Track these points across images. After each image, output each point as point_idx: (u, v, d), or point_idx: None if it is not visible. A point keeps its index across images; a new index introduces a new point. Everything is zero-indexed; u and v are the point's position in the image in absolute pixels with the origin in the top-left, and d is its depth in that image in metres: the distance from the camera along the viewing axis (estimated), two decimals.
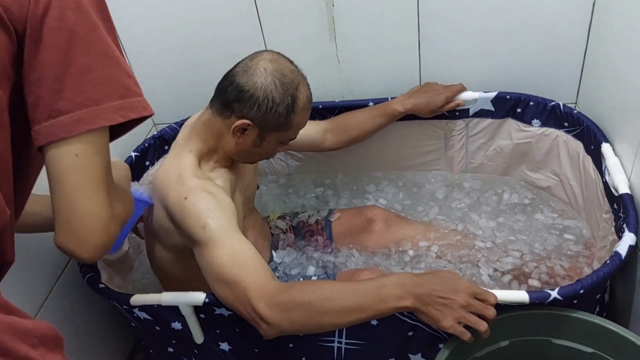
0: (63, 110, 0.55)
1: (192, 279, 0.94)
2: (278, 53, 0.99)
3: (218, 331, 0.99)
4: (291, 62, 0.99)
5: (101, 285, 1.00)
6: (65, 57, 0.55)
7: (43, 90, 0.55)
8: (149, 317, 0.99)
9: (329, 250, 1.30)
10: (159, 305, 0.94)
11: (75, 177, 0.57)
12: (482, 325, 0.79)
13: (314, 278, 1.14)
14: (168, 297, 0.92)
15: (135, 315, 1.00)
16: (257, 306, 0.78)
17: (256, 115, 0.94)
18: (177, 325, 0.99)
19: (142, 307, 0.97)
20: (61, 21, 0.55)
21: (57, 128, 0.55)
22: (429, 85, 1.30)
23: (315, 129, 1.28)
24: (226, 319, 0.94)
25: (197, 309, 0.94)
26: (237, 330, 0.97)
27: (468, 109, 1.32)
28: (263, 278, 0.81)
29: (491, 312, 0.79)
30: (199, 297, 0.91)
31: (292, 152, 1.48)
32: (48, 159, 0.56)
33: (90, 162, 0.57)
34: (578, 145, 1.21)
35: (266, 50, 0.99)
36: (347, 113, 1.34)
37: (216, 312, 0.94)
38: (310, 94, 1.01)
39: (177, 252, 0.98)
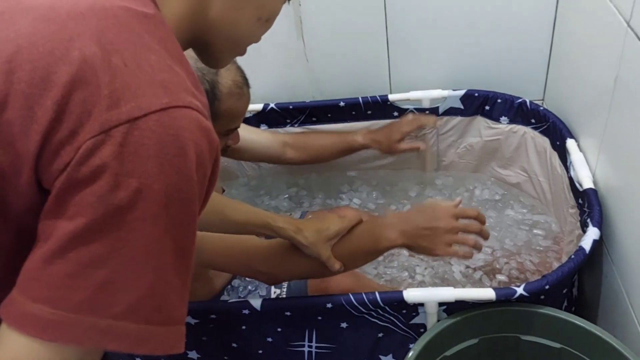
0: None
1: None
2: None
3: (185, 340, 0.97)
4: None
5: None
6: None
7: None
8: None
9: None
10: None
11: None
12: (470, 240, 0.83)
13: (285, 284, 1.13)
14: None
15: None
16: None
17: None
18: None
19: None
20: (104, 200, 0.38)
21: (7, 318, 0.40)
22: (395, 124, 1.29)
23: (273, 139, 1.26)
24: (193, 327, 0.93)
25: None
26: (204, 338, 0.96)
27: (437, 108, 1.32)
28: None
29: (476, 227, 0.83)
30: None
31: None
32: None
33: None
34: (545, 142, 1.22)
35: None
36: (312, 132, 1.34)
37: None
38: (241, 77, 0.93)
39: None
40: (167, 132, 0.40)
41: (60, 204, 0.39)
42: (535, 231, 1.25)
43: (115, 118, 0.39)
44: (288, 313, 0.91)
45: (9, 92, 0.39)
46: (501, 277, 1.15)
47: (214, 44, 0.55)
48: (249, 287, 1.15)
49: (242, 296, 1.07)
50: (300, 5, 1.27)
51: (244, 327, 0.94)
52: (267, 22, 0.57)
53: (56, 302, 0.39)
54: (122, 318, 0.40)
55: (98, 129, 0.38)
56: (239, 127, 0.98)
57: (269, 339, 0.96)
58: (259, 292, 1.12)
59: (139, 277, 0.40)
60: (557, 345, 0.89)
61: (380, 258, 1.25)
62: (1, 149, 0.39)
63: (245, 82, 0.95)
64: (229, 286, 1.11)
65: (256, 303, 0.89)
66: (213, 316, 0.92)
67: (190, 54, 0.74)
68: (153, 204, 0.39)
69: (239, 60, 0.94)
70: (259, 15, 0.56)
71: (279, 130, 1.39)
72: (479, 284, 1.17)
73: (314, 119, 1.37)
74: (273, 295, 1.10)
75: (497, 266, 1.18)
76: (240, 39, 0.57)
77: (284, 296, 1.10)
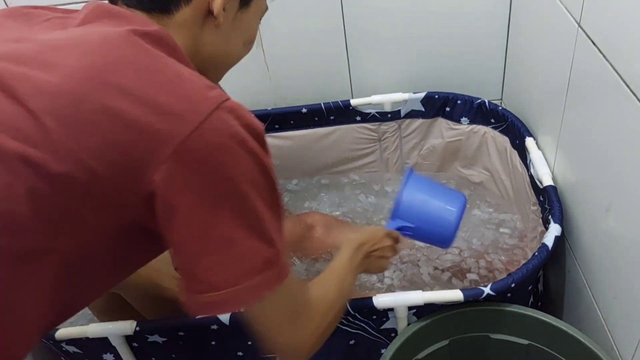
0: (196, 290, 0.51)
1: (117, 309, 0.90)
2: None
3: (153, 359, 0.95)
4: None
5: None
6: (202, 238, 0.49)
7: (178, 261, 0.51)
8: (79, 351, 0.94)
9: None
10: (88, 338, 0.89)
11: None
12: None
13: None
14: (96, 329, 0.87)
15: (64, 349, 0.94)
16: None
17: None
18: (109, 357, 0.94)
19: (70, 341, 0.92)
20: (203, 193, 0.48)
21: (193, 305, 0.52)
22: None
23: None
24: (161, 345, 0.91)
25: (128, 339, 0.90)
26: (173, 356, 0.94)
27: (399, 111, 1.33)
28: None
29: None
30: (129, 325, 0.87)
31: None
32: None
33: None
34: (505, 141, 1.24)
35: None
36: None
37: (149, 340, 0.90)
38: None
39: None
40: None
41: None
42: (501, 230, 1.27)
43: None
44: None
45: None
46: (472, 276, 1.16)
47: (209, 70, 0.63)
48: None
49: None
50: None
51: (213, 343, 0.92)
52: (250, 43, 0.69)
53: (207, 289, 0.51)
54: (259, 272, 0.52)
55: None
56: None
57: (240, 353, 0.95)
58: None
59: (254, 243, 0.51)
60: (525, 341, 0.91)
61: None
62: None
63: None
64: None
65: (225, 318, 0.88)
66: (181, 333, 0.90)
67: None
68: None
69: None
70: (244, 40, 0.66)
71: None
72: (448, 284, 1.18)
73: (276, 126, 1.36)
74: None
75: (465, 266, 1.19)
76: (231, 63, 0.68)
77: None
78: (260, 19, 0.70)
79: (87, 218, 0.46)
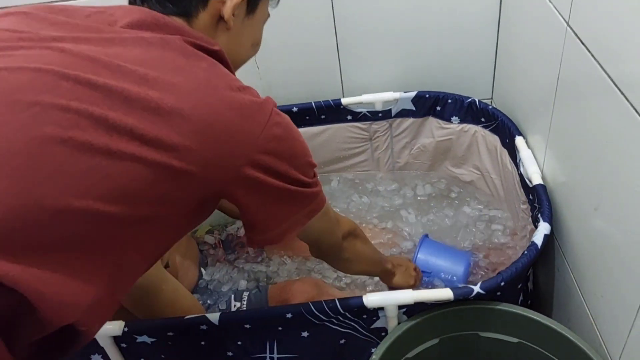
0: (271, 228, 0.66)
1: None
2: None
3: (142, 359, 0.94)
4: None
5: None
6: (278, 196, 0.63)
7: (250, 224, 0.66)
8: None
9: (260, 259, 1.27)
10: None
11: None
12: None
13: (246, 293, 1.11)
14: None
15: None
16: None
17: None
18: (97, 358, 0.93)
19: None
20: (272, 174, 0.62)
21: (263, 242, 0.68)
22: None
23: None
24: (149, 346, 0.90)
25: (116, 339, 0.89)
26: (162, 356, 0.93)
27: (390, 110, 1.33)
28: None
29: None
30: (117, 326, 0.86)
31: None
32: None
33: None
34: (495, 140, 1.24)
35: None
36: None
37: (138, 341, 0.89)
38: None
39: None
40: None
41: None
42: (493, 226, 1.27)
43: None
44: (247, 325, 0.89)
45: None
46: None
47: None
48: (208, 302, 1.13)
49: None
50: None
51: (203, 343, 0.92)
52: (257, 45, 0.76)
53: (277, 227, 0.67)
54: (308, 204, 0.68)
55: None
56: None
57: (230, 353, 0.94)
58: (218, 306, 1.10)
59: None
60: (515, 340, 0.91)
61: None
62: None
63: None
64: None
65: (214, 318, 0.87)
66: (170, 333, 0.89)
67: None
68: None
69: None
70: (252, 42, 0.74)
71: None
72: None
73: None
74: (233, 309, 1.08)
75: None
76: (240, 63, 0.75)
77: (244, 309, 1.08)
78: (264, 24, 0.78)
79: (185, 195, 0.57)
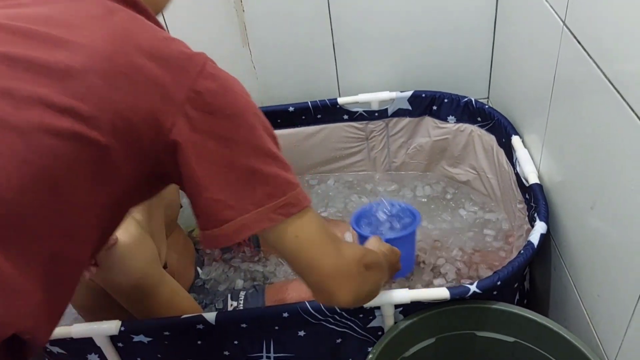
0: (227, 219, 0.54)
1: (104, 308, 0.89)
2: None
3: (139, 359, 0.94)
4: None
5: None
6: (228, 169, 0.53)
7: (204, 201, 0.54)
8: (63, 352, 0.93)
9: (257, 259, 1.27)
10: (72, 338, 0.88)
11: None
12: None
13: (242, 293, 1.11)
14: (79, 329, 0.86)
15: (48, 350, 0.93)
16: None
17: None
18: (94, 358, 0.93)
19: (54, 341, 0.91)
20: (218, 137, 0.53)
21: (221, 237, 0.54)
22: None
23: None
24: (146, 345, 0.90)
25: (113, 339, 0.89)
26: (159, 355, 0.93)
27: (387, 109, 1.33)
28: None
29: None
30: (114, 326, 0.86)
31: None
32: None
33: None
34: (491, 139, 1.24)
35: None
36: None
37: (135, 340, 0.89)
38: None
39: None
40: None
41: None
42: (485, 231, 1.27)
43: None
44: (244, 325, 0.89)
45: None
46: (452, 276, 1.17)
47: None
48: (205, 301, 1.13)
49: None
50: (244, 11, 1.26)
51: (199, 342, 0.92)
52: None
53: (237, 214, 0.54)
54: (284, 193, 0.56)
55: None
56: None
57: (226, 352, 0.94)
58: (215, 305, 1.10)
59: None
60: (511, 339, 0.91)
61: None
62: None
63: None
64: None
65: (210, 317, 0.87)
66: (167, 333, 0.89)
67: None
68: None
69: None
70: None
71: None
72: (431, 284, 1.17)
73: None
74: (230, 308, 1.08)
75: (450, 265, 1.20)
76: (160, 10, 0.66)
77: (241, 308, 1.08)
78: None
79: (120, 166, 0.50)
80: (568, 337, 0.83)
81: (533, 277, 1.13)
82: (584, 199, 0.84)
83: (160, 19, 1.35)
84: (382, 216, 1.05)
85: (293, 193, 0.56)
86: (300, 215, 0.57)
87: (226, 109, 0.53)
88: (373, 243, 0.85)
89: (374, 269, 0.69)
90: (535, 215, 0.95)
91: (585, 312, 0.87)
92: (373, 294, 0.71)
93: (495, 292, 0.89)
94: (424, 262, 1.20)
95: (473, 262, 1.20)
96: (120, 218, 0.58)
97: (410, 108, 1.33)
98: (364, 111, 1.33)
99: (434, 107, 1.31)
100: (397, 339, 0.87)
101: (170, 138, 0.51)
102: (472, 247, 1.23)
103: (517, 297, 0.98)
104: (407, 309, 0.88)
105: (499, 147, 1.22)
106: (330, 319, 0.89)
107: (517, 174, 1.10)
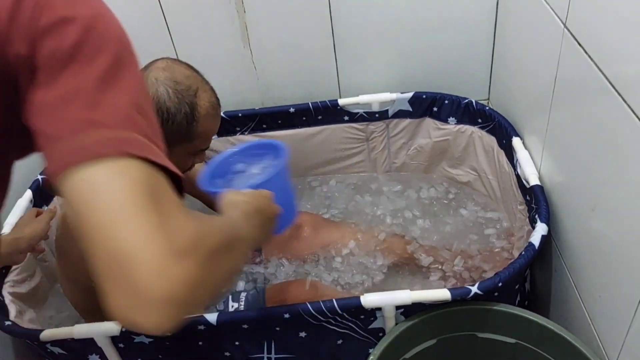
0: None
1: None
2: (173, 59, 0.92)
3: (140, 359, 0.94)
4: (189, 66, 0.92)
5: (7, 323, 0.92)
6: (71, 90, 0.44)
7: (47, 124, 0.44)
8: (64, 352, 0.93)
9: (258, 261, 1.27)
10: (73, 339, 0.88)
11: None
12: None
13: (244, 294, 1.11)
14: (81, 330, 0.86)
15: (49, 350, 0.93)
16: None
17: None
18: (95, 358, 0.93)
19: (55, 342, 0.91)
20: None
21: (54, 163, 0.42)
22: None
23: None
24: (147, 346, 0.90)
25: (114, 339, 0.89)
26: (160, 356, 0.93)
27: (387, 110, 1.34)
28: None
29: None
30: (115, 326, 0.86)
31: None
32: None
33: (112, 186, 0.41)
34: (492, 140, 1.24)
35: (161, 58, 0.91)
36: None
37: (135, 341, 0.89)
38: (216, 99, 0.94)
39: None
40: None
41: None
42: (487, 232, 1.27)
43: None
44: (245, 326, 0.89)
45: None
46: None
47: None
48: None
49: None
50: (245, 12, 1.26)
51: (200, 343, 0.92)
52: None
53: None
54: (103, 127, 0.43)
55: None
56: (209, 147, 0.98)
57: (227, 353, 0.94)
58: (216, 306, 1.10)
59: None
60: (512, 340, 0.91)
61: (335, 264, 1.24)
62: None
63: (219, 103, 0.95)
64: None
65: (212, 318, 0.87)
66: (168, 333, 0.89)
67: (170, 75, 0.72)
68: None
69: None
70: None
71: (229, 138, 1.37)
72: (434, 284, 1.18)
73: (264, 125, 1.36)
74: (231, 309, 1.08)
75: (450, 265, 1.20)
76: None
77: (242, 309, 1.08)
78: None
79: None
80: (569, 339, 0.83)
81: (534, 278, 1.13)
82: (585, 201, 0.84)
83: (161, 19, 1.37)
84: (241, 167, 0.95)
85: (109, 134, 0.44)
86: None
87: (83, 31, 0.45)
88: (228, 199, 0.68)
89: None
90: (536, 216, 0.95)
91: (586, 314, 0.87)
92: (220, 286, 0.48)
93: (496, 294, 0.89)
94: (429, 263, 1.20)
95: (475, 263, 1.20)
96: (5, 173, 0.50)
97: (410, 109, 1.33)
98: (364, 112, 1.33)
99: (435, 109, 1.31)
100: (398, 340, 0.88)
101: (16, 62, 0.44)
102: (475, 248, 1.23)
103: (518, 298, 0.98)
104: (408, 310, 0.89)
105: (499, 149, 1.22)
106: (331, 320, 0.89)
107: (517, 176, 1.10)
